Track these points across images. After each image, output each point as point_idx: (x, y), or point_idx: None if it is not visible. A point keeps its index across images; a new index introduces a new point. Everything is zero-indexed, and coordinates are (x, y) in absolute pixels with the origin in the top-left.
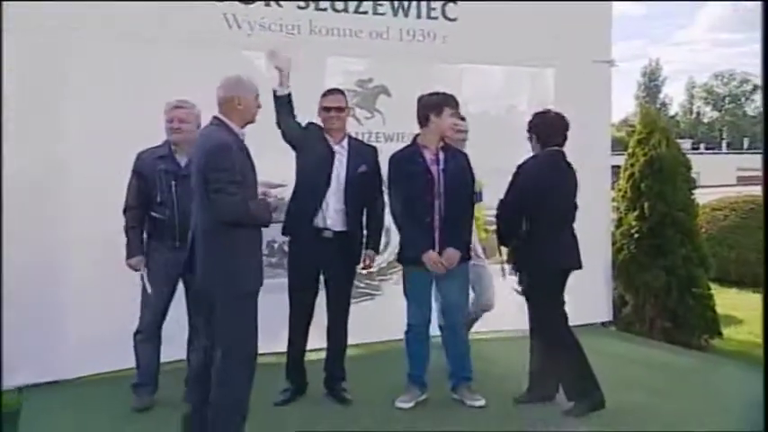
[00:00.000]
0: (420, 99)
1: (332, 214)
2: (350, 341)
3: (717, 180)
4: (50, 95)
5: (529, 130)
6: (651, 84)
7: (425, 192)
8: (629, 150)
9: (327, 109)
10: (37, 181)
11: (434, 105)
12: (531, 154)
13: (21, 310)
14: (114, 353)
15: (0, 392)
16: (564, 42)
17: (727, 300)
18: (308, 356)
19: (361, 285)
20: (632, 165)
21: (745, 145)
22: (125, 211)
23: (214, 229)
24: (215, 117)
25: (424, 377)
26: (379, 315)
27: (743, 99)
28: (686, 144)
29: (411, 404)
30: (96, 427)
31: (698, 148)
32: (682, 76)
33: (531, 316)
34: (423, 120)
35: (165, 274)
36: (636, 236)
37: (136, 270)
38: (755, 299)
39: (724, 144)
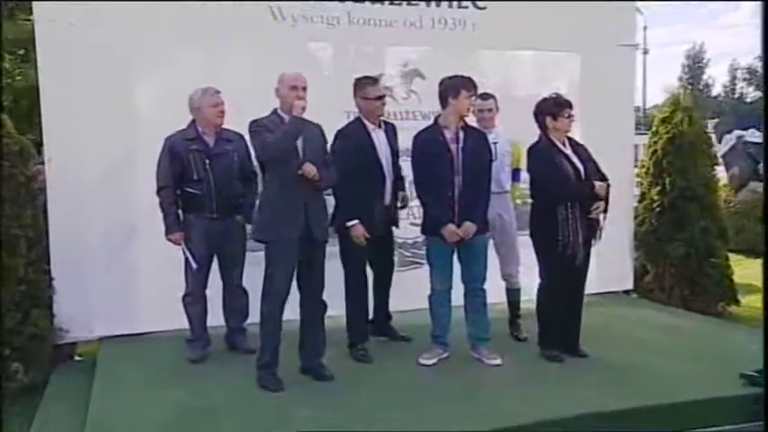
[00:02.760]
0: (440, 83)
1: None
2: (400, 307)
3: None
4: (118, 90)
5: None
6: (695, 65)
7: (445, 169)
8: (653, 129)
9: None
10: (112, 164)
11: (452, 88)
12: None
13: (102, 274)
14: (179, 312)
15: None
16: (589, 27)
17: (751, 270)
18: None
19: (408, 255)
20: (655, 142)
21: None
22: (159, 191)
23: None
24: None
25: (446, 337)
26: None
27: None
28: None
29: (434, 361)
30: (159, 374)
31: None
32: (725, 58)
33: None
34: (442, 101)
35: (206, 242)
36: (657, 209)
37: (177, 244)
38: None
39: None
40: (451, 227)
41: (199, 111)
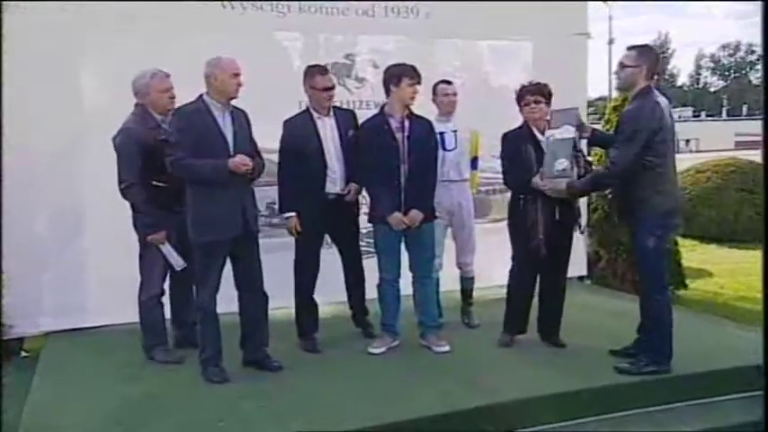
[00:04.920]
0: (385, 71)
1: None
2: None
3: (716, 145)
4: (75, 69)
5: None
6: (661, 55)
7: (391, 157)
8: (606, 117)
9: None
10: (62, 146)
11: (394, 76)
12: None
13: (48, 267)
14: (127, 305)
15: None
16: (542, 16)
17: (705, 255)
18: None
19: (363, 244)
20: (608, 130)
21: (744, 112)
22: (128, 188)
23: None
24: (201, 93)
25: (395, 326)
26: None
27: (748, 69)
28: (687, 112)
29: (382, 350)
30: (104, 369)
31: (699, 116)
32: (691, 48)
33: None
34: (386, 90)
35: (180, 238)
36: (610, 196)
37: (161, 244)
38: (730, 254)
39: (724, 111)
40: (398, 215)
41: (147, 96)
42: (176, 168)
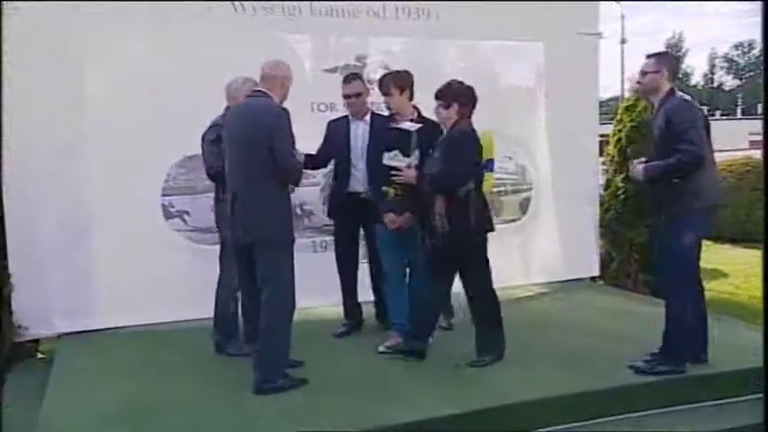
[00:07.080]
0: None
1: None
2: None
3: (730, 144)
4: (77, 71)
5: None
6: (675, 54)
7: None
8: (618, 117)
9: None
10: (68, 146)
11: (381, 86)
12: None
13: (61, 267)
14: (142, 307)
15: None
16: (552, 16)
17: (719, 255)
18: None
19: None
20: (620, 131)
21: (759, 111)
22: (217, 177)
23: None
24: (260, 90)
25: (405, 324)
26: None
27: (761, 68)
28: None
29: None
30: (118, 372)
31: (714, 115)
32: (705, 47)
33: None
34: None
35: None
36: (622, 197)
37: None
38: (745, 254)
39: (738, 110)
40: (391, 215)
41: (236, 99)
42: (298, 169)
